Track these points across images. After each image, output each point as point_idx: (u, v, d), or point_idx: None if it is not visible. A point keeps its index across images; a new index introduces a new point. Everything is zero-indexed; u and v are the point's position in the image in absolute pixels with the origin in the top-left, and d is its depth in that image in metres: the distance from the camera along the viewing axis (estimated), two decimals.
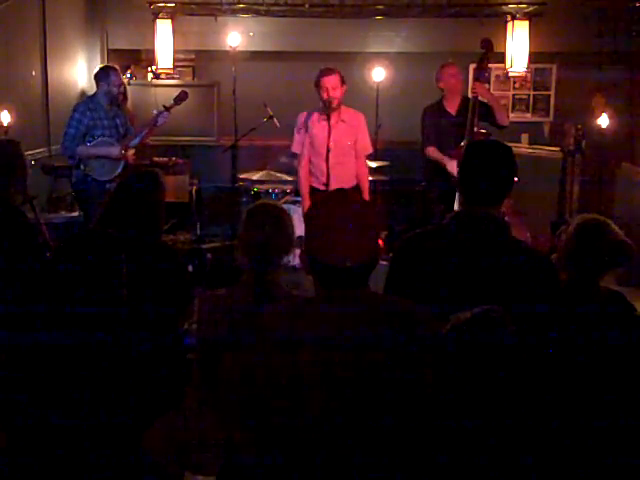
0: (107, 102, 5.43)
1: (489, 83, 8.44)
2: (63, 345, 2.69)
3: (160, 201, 2.92)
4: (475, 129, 5.34)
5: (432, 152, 5.58)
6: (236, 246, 2.57)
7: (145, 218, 2.81)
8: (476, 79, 5.54)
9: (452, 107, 5.64)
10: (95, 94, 5.55)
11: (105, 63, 7.76)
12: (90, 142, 5.34)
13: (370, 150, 5.40)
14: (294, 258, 6.76)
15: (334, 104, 4.95)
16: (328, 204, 1.87)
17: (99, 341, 2.67)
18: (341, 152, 5.06)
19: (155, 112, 5.60)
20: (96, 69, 5.97)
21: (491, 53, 5.63)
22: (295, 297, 2.54)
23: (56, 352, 2.70)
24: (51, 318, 2.75)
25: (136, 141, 5.54)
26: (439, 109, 5.67)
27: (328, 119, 4.94)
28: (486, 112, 5.48)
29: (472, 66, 7.74)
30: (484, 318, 1.77)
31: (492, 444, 1.74)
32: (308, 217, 1.88)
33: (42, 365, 2.74)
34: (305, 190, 5.26)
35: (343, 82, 5.01)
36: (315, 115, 5.12)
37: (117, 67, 5.67)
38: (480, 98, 5.45)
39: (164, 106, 5.63)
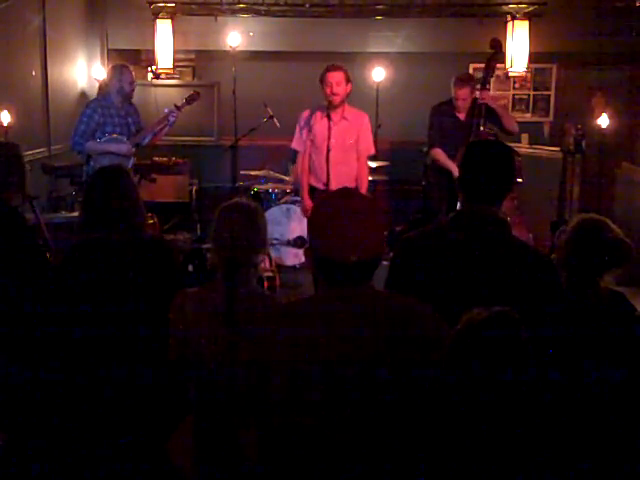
0: (119, 100, 5.43)
1: (489, 83, 8.44)
2: (67, 346, 2.69)
3: (130, 192, 2.88)
4: (481, 128, 5.32)
5: (438, 154, 5.56)
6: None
7: (122, 212, 2.80)
8: (484, 78, 5.52)
9: (462, 113, 5.62)
10: (108, 92, 5.55)
11: (105, 63, 7.79)
12: (101, 138, 5.35)
13: (372, 151, 5.29)
14: (294, 258, 6.69)
15: (336, 101, 4.89)
16: (333, 201, 1.87)
17: (118, 345, 2.66)
18: (342, 150, 4.99)
19: (166, 110, 5.60)
20: (97, 68, 5.99)
21: (500, 53, 5.60)
22: (269, 297, 2.54)
23: (75, 356, 2.70)
24: (50, 320, 2.76)
25: (147, 139, 5.54)
26: (448, 110, 5.65)
27: (329, 116, 4.92)
28: (494, 116, 5.47)
29: (472, 66, 7.79)
30: (501, 318, 1.77)
31: (497, 445, 1.74)
32: (313, 214, 1.88)
33: (63, 369, 2.73)
34: (305, 187, 5.19)
35: (349, 81, 4.96)
36: (317, 112, 5.07)
37: (128, 65, 5.65)
38: (486, 101, 5.40)
39: (175, 105, 5.64)
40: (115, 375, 2.64)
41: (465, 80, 5.58)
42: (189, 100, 5.74)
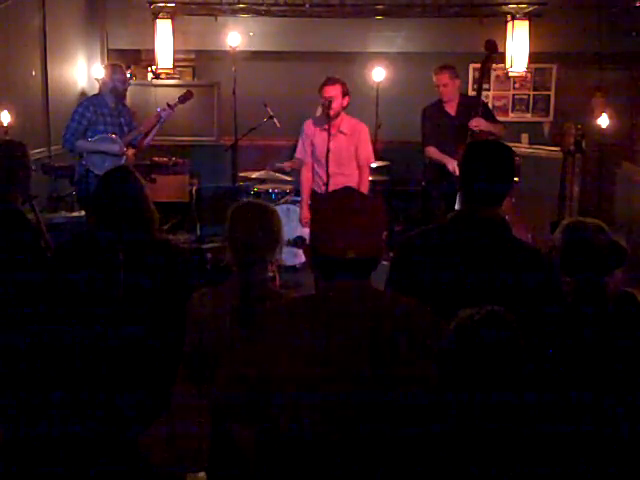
0: (112, 100, 5.44)
1: (489, 83, 8.44)
2: (60, 346, 2.69)
3: (141, 193, 2.89)
4: (478, 129, 5.30)
5: (431, 152, 5.60)
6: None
7: (132, 214, 2.80)
8: (479, 80, 5.53)
9: (451, 108, 5.64)
10: (100, 92, 5.57)
11: (105, 63, 7.77)
12: (92, 137, 5.35)
13: (372, 160, 5.39)
14: (294, 258, 6.68)
15: (331, 115, 4.97)
16: (333, 198, 1.89)
17: (96, 341, 2.67)
18: (340, 162, 5.09)
19: (159, 109, 5.61)
20: (97, 68, 6.01)
21: (495, 55, 5.60)
22: (282, 295, 2.55)
23: (53, 353, 2.71)
24: (50, 319, 2.76)
25: (136, 137, 5.53)
26: (438, 109, 5.68)
27: (328, 128, 4.97)
28: (487, 116, 5.48)
29: (472, 66, 7.79)
30: (489, 318, 1.77)
31: (494, 446, 1.73)
32: (313, 210, 1.89)
33: (39, 366, 2.74)
34: (305, 196, 5.33)
35: (346, 94, 5.05)
36: (318, 124, 5.20)
37: (121, 64, 5.66)
38: (480, 128, 5.35)
39: (168, 104, 5.65)
40: (110, 374, 2.65)
41: (443, 66, 5.63)
42: (182, 99, 5.75)
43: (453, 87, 5.62)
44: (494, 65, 7.66)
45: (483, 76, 5.57)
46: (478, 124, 5.28)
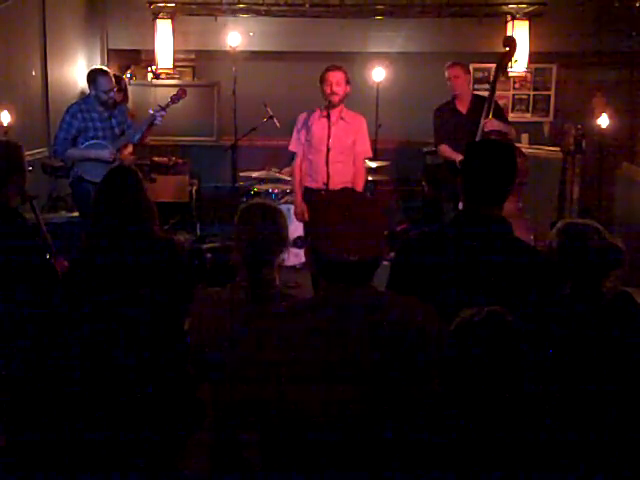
0: (98, 105, 5.30)
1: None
2: (69, 347, 2.68)
3: (142, 192, 2.90)
4: (489, 129, 5.28)
5: (445, 150, 5.59)
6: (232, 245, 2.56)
7: (133, 213, 2.80)
8: (495, 77, 5.53)
9: (463, 106, 5.64)
10: (89, 95, 5.38)
11: (105, 63, 7.77)
12: (82, 144, 5.25)
13: (369, 154, 5.29)
14: (294, 258, 6.65)
15: (335, 100, 4.88)
16: (334, 201, 1.88)
17: (112, 345, 2.65)
18: (340, 150, 4.97)
19: (150, 111, 5.52)
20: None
21: (514, 51, 5.59)
22: (290, 296, 2.54)
23: (60, 353, 2.70)
24: (74, 328, 2.74)
25: (131, 139, 5.44)
26: (450, 108, 5.68)
27: (328, 116, 4.91)
28: (499, 115, 5.47)
29: (472, 65, 7.79)
30: (489, 319, 1.77)
31: (495, 445, 1.73)
32: (314, 213, 1.88)
33: (48, 370, 2.72)
34: (299, 191, 5.17)
35: (348, 82, 4.98)
36: (316, 113, 5.07)
37: (108, 70, 5.45)
38: (492, 129, 5.34)
39: (159, 105, 5.57)
40: (126, 381, 2.63)
41: (455, 62, 5.65)
42: (174, 99, 5.64)
43: (464, 80, 5.64)
44: (493, 65, 7.67)
45: (499, 75, 5.56)
46: (491, 125, 5.27)
